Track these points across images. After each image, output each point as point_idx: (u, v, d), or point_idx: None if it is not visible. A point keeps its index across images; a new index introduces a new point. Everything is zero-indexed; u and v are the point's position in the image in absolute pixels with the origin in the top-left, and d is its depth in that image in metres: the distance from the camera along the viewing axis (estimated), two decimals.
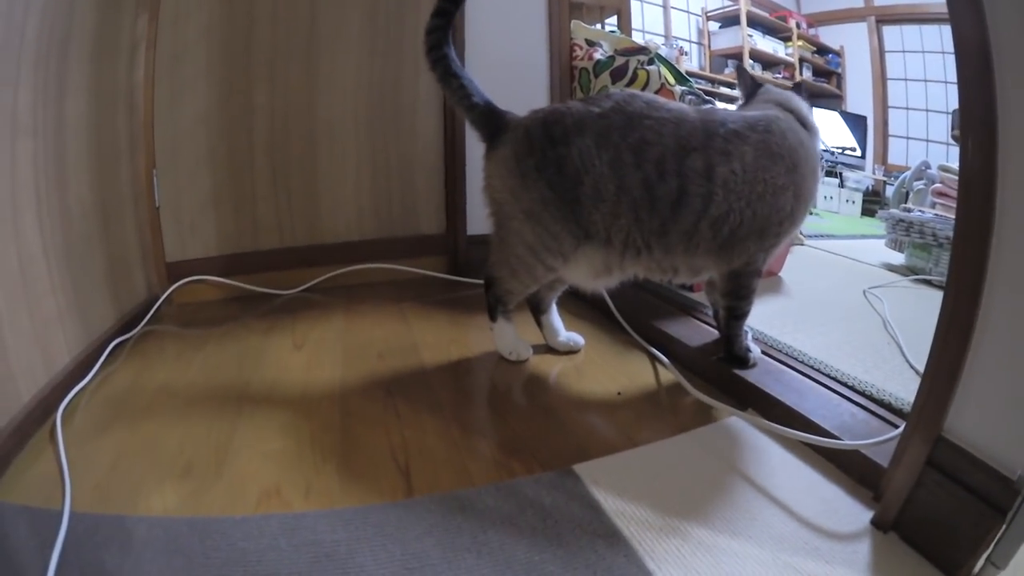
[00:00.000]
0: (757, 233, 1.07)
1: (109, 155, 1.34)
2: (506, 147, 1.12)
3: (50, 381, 1.02)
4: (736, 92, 4.60)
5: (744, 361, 1.15)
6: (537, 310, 1.33)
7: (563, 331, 1.33)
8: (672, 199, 1.05)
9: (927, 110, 4.71)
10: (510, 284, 1.19)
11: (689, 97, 1.66)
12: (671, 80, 1.69)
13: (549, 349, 1.33)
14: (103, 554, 0.69)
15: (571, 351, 1.33)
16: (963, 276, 0.69)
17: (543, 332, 1.34)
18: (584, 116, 1.08)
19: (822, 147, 1.19)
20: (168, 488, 0.82)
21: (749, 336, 1.22)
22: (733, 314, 1.15)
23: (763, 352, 1.21)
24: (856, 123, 4.98)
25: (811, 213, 3.77)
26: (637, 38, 4.21)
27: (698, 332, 1.34)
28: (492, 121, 1.15)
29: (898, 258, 2.30)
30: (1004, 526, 0.65)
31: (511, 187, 1.12)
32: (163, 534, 0.72)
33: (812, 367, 1.16)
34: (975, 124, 0.66)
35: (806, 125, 1.15)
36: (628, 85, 1.73)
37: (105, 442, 0.93)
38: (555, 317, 1.33)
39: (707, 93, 2.96)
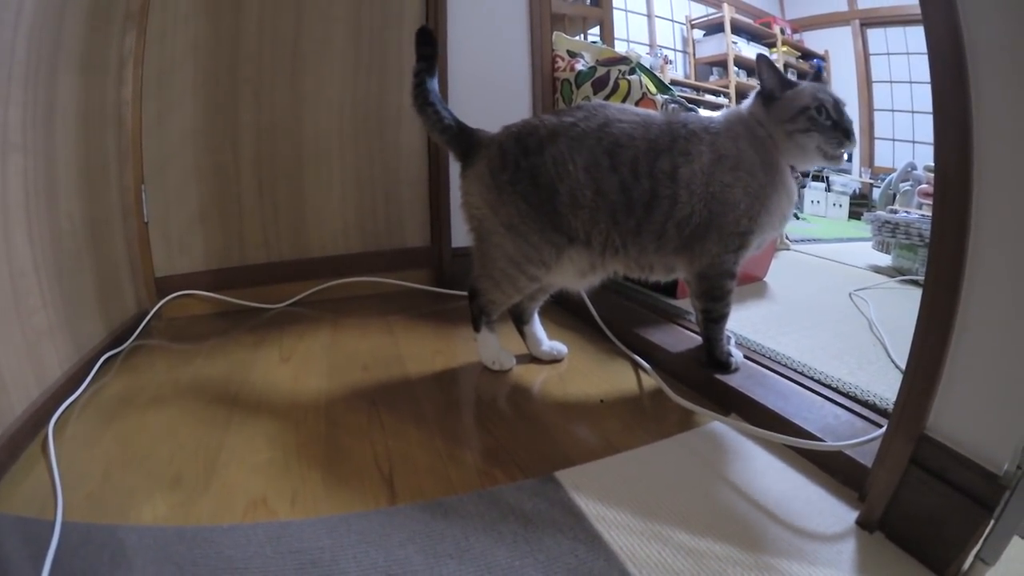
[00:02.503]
0: (716, 232, 1.09)
1: (98, 171, 1.36)
2: (481, 163, 1.15)
3: (42, 394, 1.03)
4: (721, 100, 4.66)
5: (725, 366, 1.16)
6: (520, 321, 1.34)
7: (546, 340, 1.34)
8: (645, 200, 1.08)
9: (912, 111, 4.73)
10: (493, 295, 1.21)
11: (672, 106, 1.67)
12: (652, 89, 1.71)
13: (533, 359, 1.34)
14: (95, 563, 0.70)
15: (554, 360, 1.34)
16: (941, 273, 0.69)
17: (526, 342, 1.35)
18: (556, 126, 1.11)
19: None
20: (158, 498, 0.83)
21: (732, 341, 1.23)
22: (709, 317, 1.16)
23: (746, 356, 1.22)
24: None
25: (796, 217, 3.80)
26: (622, 47, 4.24)
27: (681, 339, 1.35)
28: (465, 140, 1.18)
29: (885, 260, 2.32)
30: (992, 522, 0.65)
31: (489, 202, 1.14)
32: (153, 543, 0.74)
33: (796, 370, 1.16)
34: (949, 122, 0.67)
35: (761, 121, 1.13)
36: (610, 95, 1.75)
37: (96, 453, 0.94)
38: (537, 327, 1.35)
39: (692, 101, 2.98)
